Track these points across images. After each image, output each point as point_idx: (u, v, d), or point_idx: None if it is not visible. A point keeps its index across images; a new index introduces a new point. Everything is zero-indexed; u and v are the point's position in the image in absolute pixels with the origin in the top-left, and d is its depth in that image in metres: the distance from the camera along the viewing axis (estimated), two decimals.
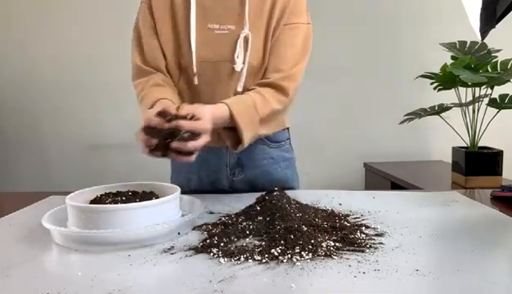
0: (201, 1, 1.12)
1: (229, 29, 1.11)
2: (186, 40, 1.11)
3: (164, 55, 1.14)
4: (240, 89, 1.12)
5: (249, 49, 1.11)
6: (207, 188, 1.23)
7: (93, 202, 0.90)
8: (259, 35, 1.13)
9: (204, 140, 0.92)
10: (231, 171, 1.23)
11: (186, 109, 0.94)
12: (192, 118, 0.92)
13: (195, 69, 1.11)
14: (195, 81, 1.12)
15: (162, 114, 0.91)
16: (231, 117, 1.01)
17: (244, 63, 1.11)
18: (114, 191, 0.93)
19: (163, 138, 0.90)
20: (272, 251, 0.75)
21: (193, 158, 0.93)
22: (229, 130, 1.06)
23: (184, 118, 0.91)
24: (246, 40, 1.11)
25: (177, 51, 1.13)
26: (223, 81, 1.12)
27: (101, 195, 0.92)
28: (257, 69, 1.13)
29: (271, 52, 1.13)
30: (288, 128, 1.30)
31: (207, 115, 0.94)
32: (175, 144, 0.90)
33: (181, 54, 1.13)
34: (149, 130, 0.91)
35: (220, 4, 1.12)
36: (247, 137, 1.03)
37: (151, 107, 1.03)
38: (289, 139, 1.31)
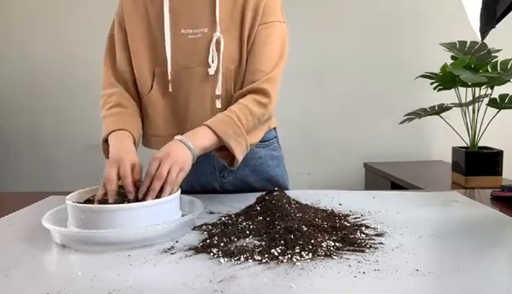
0: (173, 6, 1.10)
1: (202, 32, 1.10)
2: (160, 47, 1.11)
3: (133, 68, 1.14)
4: (218, 92, 1.10)
5: (221, 51, 1.09)
6: (197, 190, 1.22)
7: (90, 201, 0.90)
8: (233, 37, 1.11)
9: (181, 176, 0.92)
10: (221, 173, 1.23)
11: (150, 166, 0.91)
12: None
13: (169, 76, 1.11)
14: (170, 88, 1.11)
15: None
16: (218, 137, 1.00)
17: (218, 67, 1.09)
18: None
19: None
20: (272, 251, 0.75)
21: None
22: (220, 151, 1.06)
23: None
24: (219, 43, 1.09)
25: (152, 59, 1.12)
26: (198, 86, 1.11)
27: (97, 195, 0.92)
28: (235, 71, 1.12)
29: (248, 53, 1.12)
30: (275, 128, 1.29)
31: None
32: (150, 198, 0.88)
33: (155, 62, 1.12)
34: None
35: (191, 8, 1.11)
36: (239, 153, 1.03)
37: (107, 136, 1.05)
38: (276, 137, 1.29)
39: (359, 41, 2.68)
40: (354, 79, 2.69)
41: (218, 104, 1.11)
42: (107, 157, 1.09)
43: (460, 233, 0.87)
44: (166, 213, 0.86)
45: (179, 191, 0.92)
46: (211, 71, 1.09)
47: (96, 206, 0.84)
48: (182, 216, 0.91)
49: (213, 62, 1.09)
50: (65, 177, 2.70)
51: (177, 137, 0.98)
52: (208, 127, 1.01)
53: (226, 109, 1.08)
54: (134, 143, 1.07)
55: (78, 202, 0.88)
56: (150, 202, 0.85)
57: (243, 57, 1.12)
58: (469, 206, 1.07)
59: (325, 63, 2.66)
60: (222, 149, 1.05)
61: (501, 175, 1.92)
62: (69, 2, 2.64)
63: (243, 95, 1.09)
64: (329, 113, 2.70)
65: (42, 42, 2.65)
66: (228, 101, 1.11)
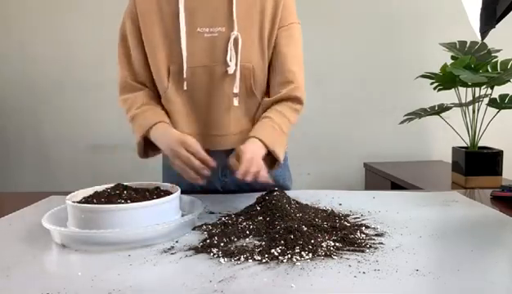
0: (189, 5, 1.11)
1: (219, 32, 1.11)
2: (176, 46, 1.11)
3: (150, 68, 1.15)
4: (236, 90, 1.12)
5: (239, 51, 1.10)
6: (197, 190, 1.21)
7: (90, 200, 0.90)
8: (251, 36, 1.12)
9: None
10: (223, 172, 1.23)
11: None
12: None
13: (185, 75, 1.11)
14: (185, 86, 1.12)
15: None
16: (266, 147, 1.06)
17: (236, 66, 1.11)
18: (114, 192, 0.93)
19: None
20: (272, 251, 0.75)
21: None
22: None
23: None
24: (237, 42, 1.10)
25: (167, 58, 1.12)
26: (215, 85, 1.12)
27: (98, 192, 0.93)
28: (252, 70, 1.13)
29: (273, 56, 1.15)
30: None
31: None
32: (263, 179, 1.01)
33: (171, 60, 1.12)
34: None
35: (208, 6, 1.11)
36: (282, 157, 1.10)
37: (147, 131, 1.09)
38: None
39: (359, 41, 2.68)
40: (354, 79, 2.69)
41: (236, 102, 1.13)
42: (143, 156, 1.14)
43: (460, 233, 0.87)
44: (166, 213, 0.86)
45: (179, 191, 0.92)
46: (230, 70, 1.10)
47: (96, 206, 0.84)
48: (182, 216, 0.91)
49: (231, 61, 1.10)
50: (65, 177, 2.70)
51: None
52: (259, 139, 1.06)
53: (243, 107, 1.13)
54: None
55: (77, 202, 0.88)
56: (149, 202, 0.85)
57: (261, 56, 1.13)
58: (469, 206, 1.07)
59: (325, 63, 2.66)
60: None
61: (501, 175, 1.92)
62: (69, 2, 2.64)
63: (276, 102, 1.14)
64: (329, 113, 2.70)
65: (42, 42, 2.65)
66: (246, 99, 1.14)
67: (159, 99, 1.17)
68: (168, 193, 0.92)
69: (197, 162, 0.99)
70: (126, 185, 0.96)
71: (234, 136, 1.15)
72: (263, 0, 1.13)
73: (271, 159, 1.09)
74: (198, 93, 1.13)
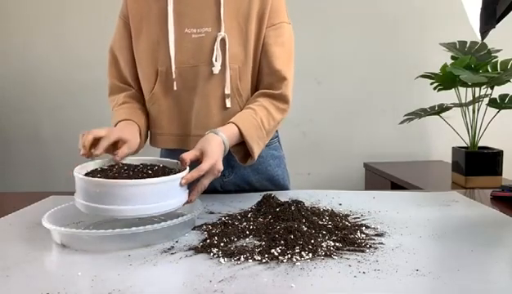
0: (177, 6, 1.11)
1: (206, 32, 1.11)
2: (164, 46, 1.11)
3: (136, 68, 1.17)
4: (227, 91, 1.11)
5: (227, 51, 1.10)
6: None
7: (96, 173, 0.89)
8: (238, 36, 1.12)
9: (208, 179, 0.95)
10: (222, 172, 1.23)
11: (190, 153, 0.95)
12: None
13: (174, 75, 1.11)
14: (175, 86, 1.12)
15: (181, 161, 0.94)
16: (242, 136, 1.04)
17: (224, 65, 1.10)
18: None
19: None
20: (272, 251, 0.75)
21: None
22: (237, 145, 1.07)
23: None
24: (224, 42, 1.10)
25: (155, 59, 1.13)
26: (203, 85, 1.12)
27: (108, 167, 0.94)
28: (240, 71, 1.13)
29: (261, 56, 1.14)
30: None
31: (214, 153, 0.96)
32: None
33: (159, 61, 1.13)
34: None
35: (195, 7, 1.12)
36: (256, 153, 1.07)
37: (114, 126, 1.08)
38: (277, 137, 1.30)
39: (359, 41, 2.68)
40: (354, 79, 2.69)
41: (228, 104, 1.12)
42: None
43: (460, 233, 0.87)
44: (176, 190, 0.86)
45: (187, 169, 0.91)
46: (215, 70, 1.10)
47: (107, 180, 0.84)
48: (182, 216, 0.91)
49: (216, 61, 1.10)
50: (65, 177, 2.70)
51: (222, 135, 1.00)
52: (237, 127, 1.04)
53: (231, 107, 1.12)
54: (140, 132, 1.10)
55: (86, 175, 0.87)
56: (161, 178, 0.85)
57: (248, 57, 1.13)
58: (469, 206, 1.07)
59: (325, 63, 2.66)
60: (239, 144, 1.07)
61: (501, 175, 1.92)
62: (70, 2, 2.64)
63: (262, 96, 1.12)
64: (329, 113, 2.69)
65: (42, 42, 2.65)
66: (232, 100, 1.13)
67: (142, 99, 1.19)
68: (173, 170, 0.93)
69: (84, 139, 0.95)
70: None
71: None
72: (251, 0, 1.12)
73: (245, 150, 1.08)
74: (185, 94, 1.13)
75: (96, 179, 0.85)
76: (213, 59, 1.10)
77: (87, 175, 0.87)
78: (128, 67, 1.18)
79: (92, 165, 0.94)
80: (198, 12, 1.12)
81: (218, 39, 1.10)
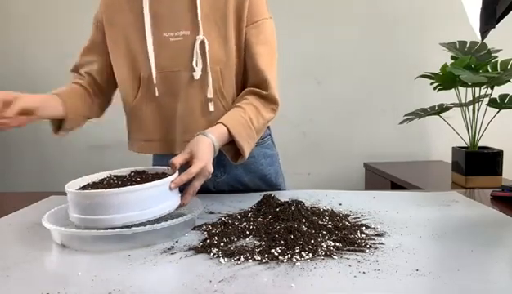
0: (154, 9, 1.09)
1: (183, 35, 1.09)
2: (142, 51, 1.10)
3: (104, 74, 1.18)
4: (210, 95, 1.10)
5: (207, 54, 1.08)
6: None
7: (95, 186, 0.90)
8: (217, 38, 1.10)
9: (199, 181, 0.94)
10: (214, 172, 1.22)
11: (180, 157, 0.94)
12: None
13: (155, 81, 1.10)
14: (156, 92, 1.11)
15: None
16: (230, 135, 1.02)
17: (205, 69, 1.09)
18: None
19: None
20: (272, 251, 0.75)
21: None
22: (228, 143, 1.06)
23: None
24: (203, 45, 1.08)
25: (134, 65, 1.12)
26: (185, 90, 1.11)
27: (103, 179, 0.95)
28: (224, 73, 1.11)
29: (245, 55, 1.12)
30: (268, 126, 1.29)
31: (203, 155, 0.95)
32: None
33: (139, 66, 1.12)
34: None
35: (172, 10, 1.09)
36: (247, 151, 1.06)
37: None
38: (269, 135, 1.29)
39: (359, 41, 2.68)
40: (354, 79, 2.69)
41: (212, 108, 1.11)
42: (54, 131, 1.17)
43: (460, 233, 0.87)
44: (168, 194, 0.87)
45: (177, 173, 0.91)
46: (196, 75, 1.08)
47: (104, 190, 0.84)
48: (182, 216, 0.91)
49: (197, 65, 1.08)
50: (65, 177, 2.69)
51: (211, 137, 0.98)
52: (226, 127, 1.02)
53: (215, 110, 1.10)
54: (66, 107, 1.14)
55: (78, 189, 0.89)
56: (153, 183, 0.85)
57: (230, 57, 1.11)
58: (469, 206, 1.07)
59: (325, 63, 2.66)
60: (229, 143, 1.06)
61: (501, 175, 1.92)
62: (70, 2, 2.64)
63: (251, 94, 1.10)
64: (329, 113, 2.70)
65: (42, 42, 2.65)
66: (216, 102, 1.12)
67: (90, 97, 1.22)
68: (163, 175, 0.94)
69: None
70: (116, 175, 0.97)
71: None
72: (228, 0, 1.10)
73: (235, 148, 1.07)
74: (168, 99, 1.12)
75: (85, 191, 0.86)
76: (194, 64, 1.08)
77: (78, 190, 0.88)
78: (94, 66, 1.19)
79: (84, 181, 0.95)
80: (174, 15, 1.09)
81: (197, 42, 1.08)
